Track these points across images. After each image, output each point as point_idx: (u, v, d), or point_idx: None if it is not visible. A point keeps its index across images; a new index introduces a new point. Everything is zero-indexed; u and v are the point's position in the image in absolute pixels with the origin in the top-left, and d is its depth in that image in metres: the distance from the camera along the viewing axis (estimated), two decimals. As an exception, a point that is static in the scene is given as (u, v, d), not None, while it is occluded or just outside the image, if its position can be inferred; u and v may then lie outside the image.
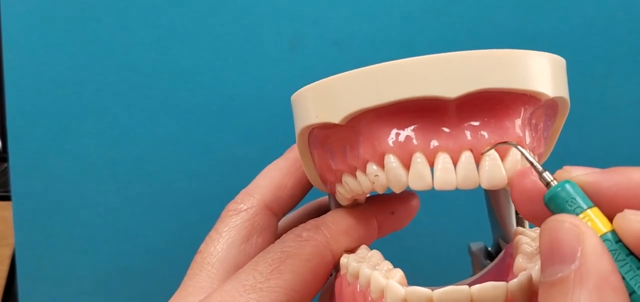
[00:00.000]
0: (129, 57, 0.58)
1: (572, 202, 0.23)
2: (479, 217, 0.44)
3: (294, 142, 0.40)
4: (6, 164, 1.11)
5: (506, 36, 0.59)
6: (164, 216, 0.60)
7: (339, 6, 0.59)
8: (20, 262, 0.59)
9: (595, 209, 0.23)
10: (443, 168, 0.26)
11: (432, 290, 0.26)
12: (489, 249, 0.42)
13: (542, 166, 0.27)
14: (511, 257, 0.32)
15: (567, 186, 0.24)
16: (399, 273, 0.27)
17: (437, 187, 0.26)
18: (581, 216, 0.23)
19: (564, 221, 0.22)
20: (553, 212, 0.24)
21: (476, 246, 0.43)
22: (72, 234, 0.59)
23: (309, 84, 0.31)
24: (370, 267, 0.29)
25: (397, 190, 0.28)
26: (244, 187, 0.38)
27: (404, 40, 0.59)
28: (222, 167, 0.60)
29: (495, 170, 0.26)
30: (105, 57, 0.57)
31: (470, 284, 0.36)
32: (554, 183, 0.24)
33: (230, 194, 0.39)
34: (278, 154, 0.40)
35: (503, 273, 0.33)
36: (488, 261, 0.41)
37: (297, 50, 0.59)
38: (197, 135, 0.59)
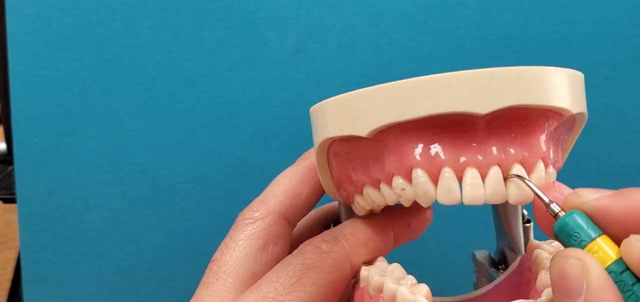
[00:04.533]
0: (134, 61, 0.57)
1: (576, 236, 0.24)
2: (482, 223, 0.45)
3: (302, 147, 0.40)
4: (11, 167, 1.11)
5: (510, 39, 0.59)
6: (168, 218, 0.60)
7: (344, 9, 0.59)
8: (25, 265, 0.59)
9: (604, 237, 0.23)
10: (472, 183, 0.26)
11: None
12: (492, 256, 0.42)
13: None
14: (530, 271, 0.32)
15: (575, 217, 0.24)
16: (424, 288, 0.28)
17: (466, 202, 0.26)
18: (587, 247, 0.23)
19: (568, 256, 0.23)
20: (562, 243, 0.24)
21: (481, 254, 0.43)
22: (77, 237, 0.59)
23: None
24: (394, 281, 0.29)
25: (425, 204, 0.28)
26: (248, 189, 0.38)
27: (408, 43, 0.59)
28: (227, 169, 0.59)
29: (522, 186, 0.27)
30: (110, 60, 0.57)
31: (483, 296, 0.37)
32: (562, 214, 0.25)
33: (234, 197, 0.38)
34: (283, 156, 0.40)
35: (521, 287, 0.33)
36: (493, 269, 0.41)
37: (301, 53, 0.59)
38: (201, 138, 0.59)
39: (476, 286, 0.43)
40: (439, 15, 0.59)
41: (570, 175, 0.34)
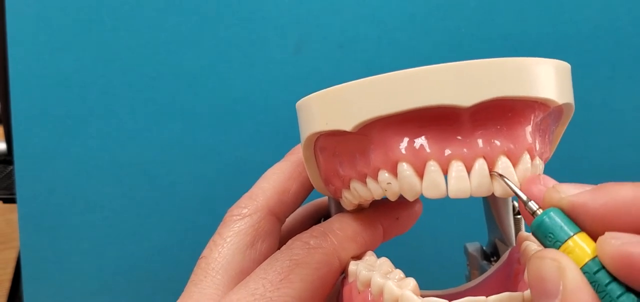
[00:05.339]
0: (134, 61, 0.58)
1: (550, 236, 0.23)
2: (474, 216, 0.45)
3: (297, 144, 0.40)
4: (11, 167, 1.11)
5: (509, 39, 0.59)
6: (168, 218, 0.60)
7: (343, 10, 0.59)
8: (25, 264, 0.59)
9: (582, 234, 0.23)
10: (457, 176, 0.26)
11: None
12: (484, 248, 0.42)
13: (544, 169, 0.27)
14: (519, 263, 0.32)
15: (552, 214, 0.24)
16: (412, 282, 0.27)
17: (452, 195, 0.26)
18: (563, 247, 0.23)
19: (544, 257, 0.23)
20: (540, 241, 0.24)
21: (472, 246, 0.43)
22: (77, 236, 0.59)
23: (313, 87, 0.31)
24: (382, 276, 0.29)
25: (410, 198, 0.28)
26: (248, 189, 0.38)
27: (407, 42, 0.59)
28: (227, 169, 0.60)
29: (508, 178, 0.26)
30: (110, 60, 0.57)
31: (473, 289, 0.37)
32: (539, 212, 0.24)
33: (234, 197, 0.38)
34: (282, 156, 0.40)
35: (511, 280, 0.33)
36: (485, 262, 0.41)
37: (301, 53, 0.59)
38: (201, 138, 0.59)
39: (468, 279, 0.43)
40: (439, 15, 0.59)
41: (570, 175, 0.34)
